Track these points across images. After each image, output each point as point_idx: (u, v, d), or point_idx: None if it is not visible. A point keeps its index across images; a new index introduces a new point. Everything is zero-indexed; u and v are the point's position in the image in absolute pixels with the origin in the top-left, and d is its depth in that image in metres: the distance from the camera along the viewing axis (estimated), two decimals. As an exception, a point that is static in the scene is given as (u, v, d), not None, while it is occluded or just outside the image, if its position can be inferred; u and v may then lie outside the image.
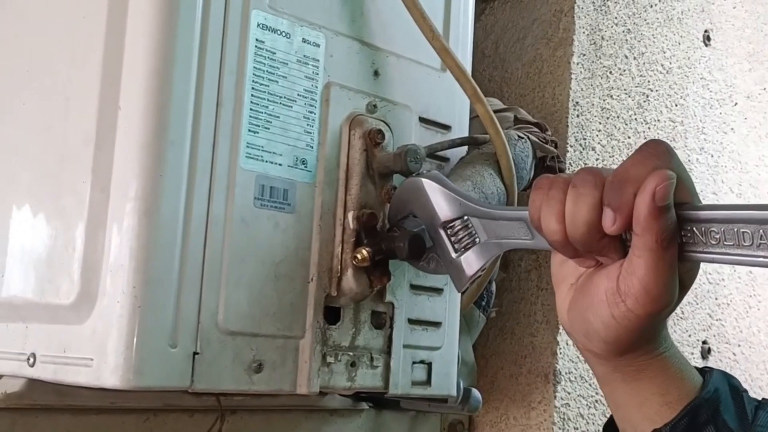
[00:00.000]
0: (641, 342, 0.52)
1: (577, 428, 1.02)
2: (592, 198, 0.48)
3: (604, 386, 0.55)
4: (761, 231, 0.45)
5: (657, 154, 0.48)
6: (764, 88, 1.40)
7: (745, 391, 0.56)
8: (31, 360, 0.62)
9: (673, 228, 0.47)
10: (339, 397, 0.86)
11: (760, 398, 0.56)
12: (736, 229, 0.46)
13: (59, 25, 0.67)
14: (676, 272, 0.48)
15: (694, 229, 0.47)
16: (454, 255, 0.61)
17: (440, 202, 0.62)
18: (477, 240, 0.60)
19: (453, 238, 0.62)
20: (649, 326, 0.50)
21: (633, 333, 0.50)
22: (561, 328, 1.01)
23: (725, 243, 0.46)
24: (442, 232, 0.62)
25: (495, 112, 0.91)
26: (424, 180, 0.64)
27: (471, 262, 0.61)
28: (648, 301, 0.48)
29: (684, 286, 0.50)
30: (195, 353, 0.58)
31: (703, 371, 0.55)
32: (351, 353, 0.67)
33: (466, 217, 0.61)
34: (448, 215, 0.62)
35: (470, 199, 0.62)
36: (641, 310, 0.48)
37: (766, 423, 0.54)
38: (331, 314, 0.67)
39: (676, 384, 0.53)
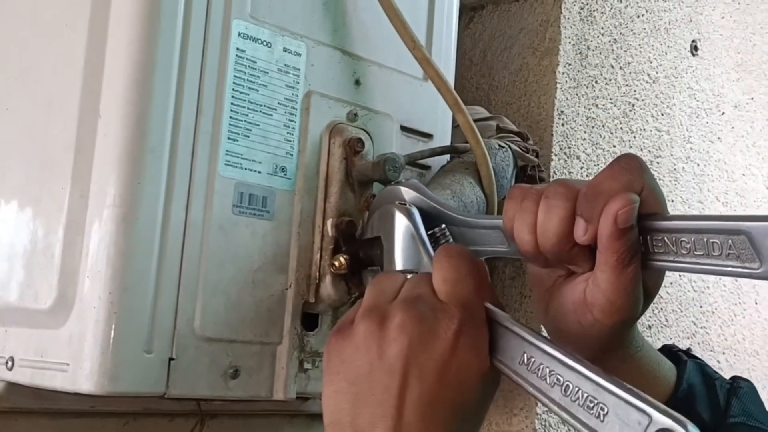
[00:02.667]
0: (612, 346, 0.53)
1: (559, 435, 1.02)
2: (563, 210, 0.50)
3: None
4: (729, 241, 0.46)
5: (630, 169, 0.49)
6: (752, 98, 1.41)
7: (718, 378, 0.57)
8: (10, 364, 0.62)
9: (635, 245, 0.48)
10: (320, 402, 0.87)
11: (729, 378, 0.57)
12: (705, 239, 0.47)
13: (43, 32, 0.68)
14: (640, 284, 0.50)
15: (665, 238, 0.49)
16: (430, 264, 0.62)
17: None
18: None
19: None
20: (617, 333, 0.52)
21: (602, 340, 0.52)
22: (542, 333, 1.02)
23: (695, 253, 0.47)
24: None
25: (478, 120, 0.92)
26: (402, 188, 0.64)
27: None
28: (613, 311, 0.50)
29: (649, 295, 0.52)
30: (171, 359, 0.58)
31: (678, 360, 0.56)
32: (328, 360, 0.68)
33: (443, 226, 0.62)
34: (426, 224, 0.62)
35: (448, 208, 0.62)
36: (607, 320, 0.50)
37: (738, 413, 0.55)
38: (309, 321, 0.67)
39: (649, 385, 0.54)
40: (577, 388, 0.44)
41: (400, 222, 0.61)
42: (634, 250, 0.48)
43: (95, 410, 0.70)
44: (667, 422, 0.40)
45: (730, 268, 0.46)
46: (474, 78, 1.16)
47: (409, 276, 0.58)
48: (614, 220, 0.47)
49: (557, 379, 0.45)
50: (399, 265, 0.60)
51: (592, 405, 0.43)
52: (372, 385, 0.47)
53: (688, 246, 0.47)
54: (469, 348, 0.48)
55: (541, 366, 0.46)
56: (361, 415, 0.47)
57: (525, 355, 0.47)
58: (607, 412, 0.42)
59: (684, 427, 0.39)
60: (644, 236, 0.49)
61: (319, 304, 0.67)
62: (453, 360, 0.47)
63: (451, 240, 0.61)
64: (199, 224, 0.61)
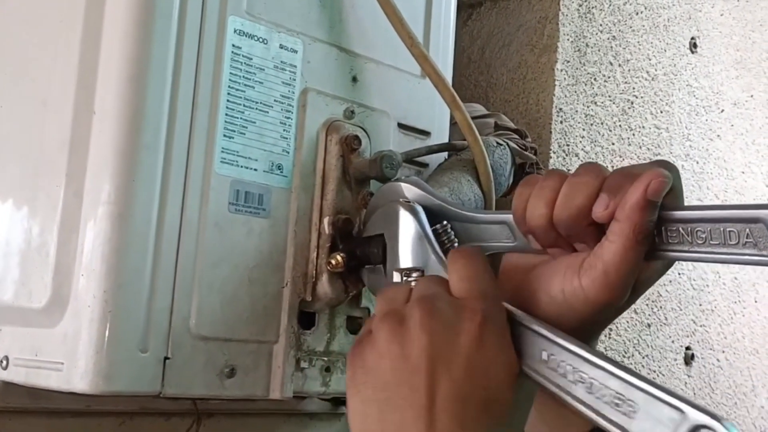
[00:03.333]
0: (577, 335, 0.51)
1: None
2: (591, 187, 0.49)
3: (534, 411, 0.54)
4: (747, 229, 0.46)
5: (663, 164, 0.50)
6: (751, 95, 1.40)
7: None
8: (5, 363, 0.62)
9: (651, 225, 0.48)
10: (318, 401, 0.86)
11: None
12: (722, 228, 0.47)
13: (37, 29, 0.67)
14: (637, 271, 0.49)
15: (681, 228, 0.48)
16: (437, 261, 0.62)
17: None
18: (456, 245, 0.61)
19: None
20: (589, 319, 0.51)
21: (573, 318, 0.50)
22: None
23: (711, 242, 0.47)
24: None
25: (477, 118, 0.91)
26: (402, 184, 0.64)
27: None
28: (602, 285, 0.49)
29: (636, 289, 0.51)
30: (166, 358, 0.58)
31: None
32: (325, 358, 0.67)
33: (446, 222, 0.61)
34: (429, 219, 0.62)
35: (450, 204, 0.62)
36: (592, 292, 0.49)
37: None
38: (306, 319, 0.67)
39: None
40: (602, 386, 0.43)
41: (405, 220, 0.60)
42: (649, 230, 0.48)
43: (91, 410, 0.70)
44: (702, 418, 0.39)
45: (747, 257, 0.46)
46: (472, 75, 1.16)
47: (414, 274, 0.57)
48: (644, 189, 0.46)
49: (580, 377, 0.44)
50: (405, 263, 0.59)
51: (619, 402, 0.42)
52: (399, 388, 0.46)
53: (703, 236, 0.47)
54: (494, 344, 0.47)
55: (563, 363, 0.45)
56: (390, 420, 0.46)
57: (545, 353, 0.46)
58: (637, 409, 0.42)
59: (720, 421, 0.39)
60: (658, 226, 0.49)
61: (315, 302, 0.66)
62: (479, 355, 0.46)
63: (454, 236, 0.61)
64: (194, 222, 0.60)
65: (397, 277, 0.59)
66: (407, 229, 0.60)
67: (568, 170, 1.06)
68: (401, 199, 0.62)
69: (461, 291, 0.49)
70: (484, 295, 0.49)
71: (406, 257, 0.59)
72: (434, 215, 0.61)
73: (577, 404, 0.44)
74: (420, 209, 0.61)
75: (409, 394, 0.46)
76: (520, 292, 0.53)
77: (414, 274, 0.58)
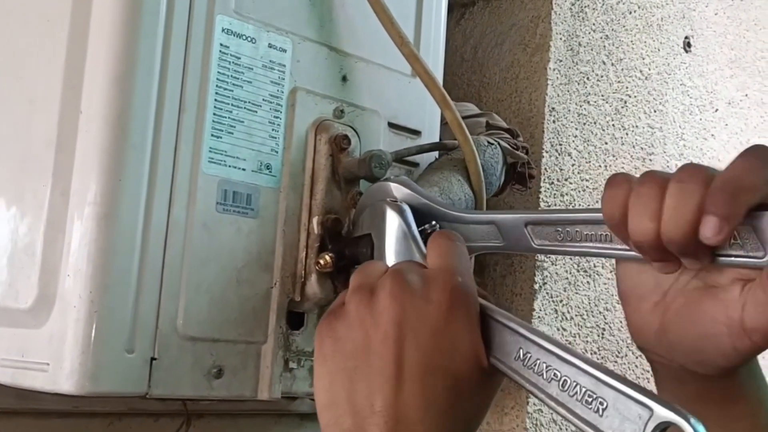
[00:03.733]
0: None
1: (550, 433, 1.02)
2: (701, 196, 0.44)
3: (696, 404, 0.49)
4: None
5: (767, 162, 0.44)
6: (746, 95, 1.40)
7: None
8: (-9, 364, 0.61)
9: None
10: (309, 401, 0.86)
11: None
12: None
13: (24, 27, 0.67)
14: None
15: None
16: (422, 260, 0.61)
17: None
18: None
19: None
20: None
21: (751, 359, 0.48)
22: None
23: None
24: None
25: (468, 117, 0.91)
26: (391, 184, 0.64)
27: None
28: None
29: None
30: (153, 359, 0.57)
31: None
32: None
33: (434, 222, 0.61)
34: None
35: (439, 203, 0.62)
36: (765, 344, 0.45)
37: None
38: (295, 319, 0.66)
39: (766, 406, 0.51)
40: (575, 383, 0.43)
41: (392, 219, 0.60)
42: None
43: (79, 410, 0.69)
44: (669, 415, 0.39)
45: None
46: (465, 75, 1.15)
47: None
48: None
49: (554, 374, 0.44)
50: (391, 261, 0.59)
51: (590, 400, 0.42)
52: (368, 357, 0.46)
53: None
54: (463, 321, 0.47)
55: (538, 361, 0.45)
56: (358, 390, 0.46)
57: (521, 351, 0.46)
58: (607, 406, 0.42)
59: (686, 419, 0.38)
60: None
61: (304, 302, 0.66)
62: (448, 328, 0.46)
63: None
64: (182, 222, 0.60)
65: None
66: (393, 228, 0.59)
67: (561, 170, 1.06)
68: (388, 199, 0.62)
69: (434, 265, 0.50)
70: (457, 271, 0.49)
71: (391, 256, 0.59)
72: (423, 215, 0.61)
73: (551, 403, 0.44)
74: (406, 208, 0.60)
75: (378, 362, 0.46)
76: (674, 344, 0.49)
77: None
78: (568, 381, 0.44)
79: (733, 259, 0.45)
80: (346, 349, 0.47)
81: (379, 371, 0.46)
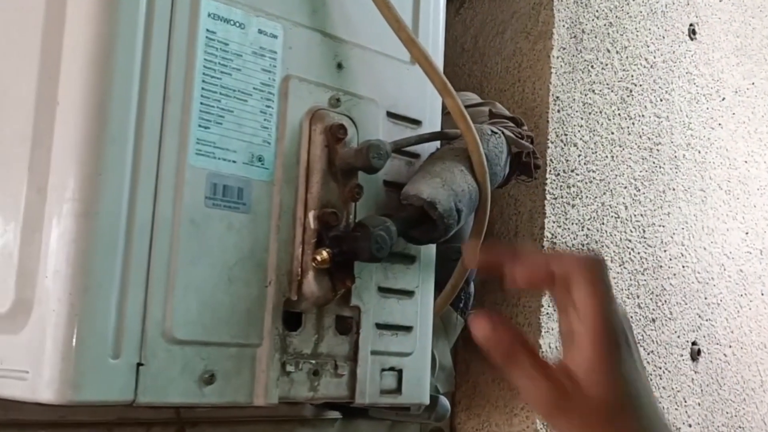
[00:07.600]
0: None
1: (561, 435, 0.98)
2: None
3: None
4: None
5: None
6: (752, 83, 1.37)
7: None
8: (-31, 373, 0.58)
9: None
10: (309, 406, 0.82)
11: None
12: None
13: (-1, 16, 0.63)
14: None
15: None
16: None
17: None
18: None
19: None
20: None
21: None
22: (543, 331, 0.98)
23: None
24: None
25: (470, 106, 0.87)
26: None
27: None
28: None
29: None
30: (139, 364, 0.54)
31: None
32: (313, 361, 0.63)
33: None
34: None
35: None
36: None
37: None
38: (292, 320, 0.63)
39: None
40: None
41: None
42: None
43: (65, 420, 0.66)
44: None
45: None
46: (466, 65, 1.12)
47: None
48: None
49: None
50: None
51: None
52: None
53: None
54: None
55: None
56: None
57: None
58: None
59: None
60: None
61: (301, 301, 0.62)
62: None
63: None
64: (168, 218, 0.56)
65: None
66: None
67: (566, 161, 1.02)
68: None
69: None
70: None
71: None
72: None
73: None
74: None
75: None
76: None
77: None
78: None
79: None
80: None
81: None
